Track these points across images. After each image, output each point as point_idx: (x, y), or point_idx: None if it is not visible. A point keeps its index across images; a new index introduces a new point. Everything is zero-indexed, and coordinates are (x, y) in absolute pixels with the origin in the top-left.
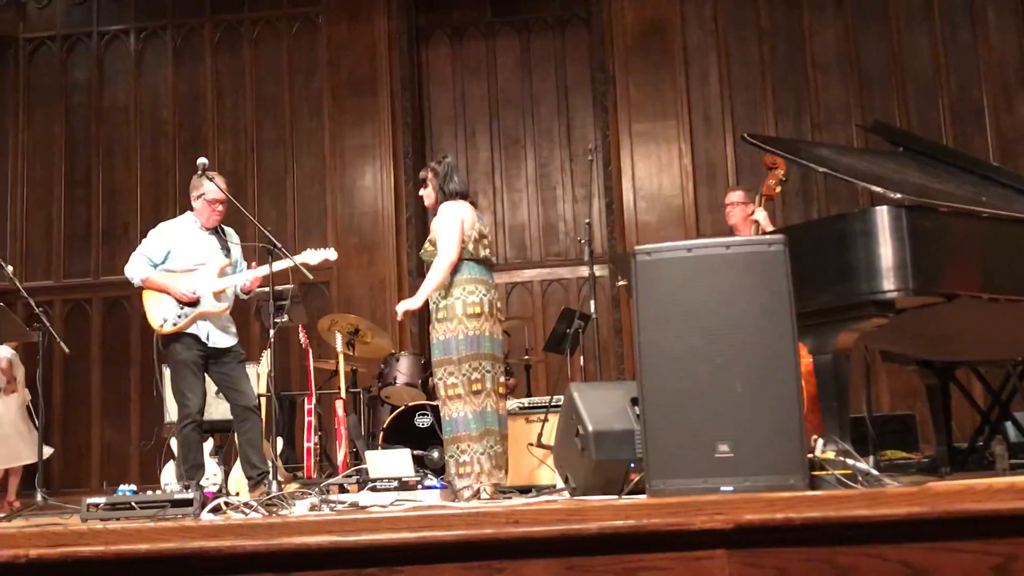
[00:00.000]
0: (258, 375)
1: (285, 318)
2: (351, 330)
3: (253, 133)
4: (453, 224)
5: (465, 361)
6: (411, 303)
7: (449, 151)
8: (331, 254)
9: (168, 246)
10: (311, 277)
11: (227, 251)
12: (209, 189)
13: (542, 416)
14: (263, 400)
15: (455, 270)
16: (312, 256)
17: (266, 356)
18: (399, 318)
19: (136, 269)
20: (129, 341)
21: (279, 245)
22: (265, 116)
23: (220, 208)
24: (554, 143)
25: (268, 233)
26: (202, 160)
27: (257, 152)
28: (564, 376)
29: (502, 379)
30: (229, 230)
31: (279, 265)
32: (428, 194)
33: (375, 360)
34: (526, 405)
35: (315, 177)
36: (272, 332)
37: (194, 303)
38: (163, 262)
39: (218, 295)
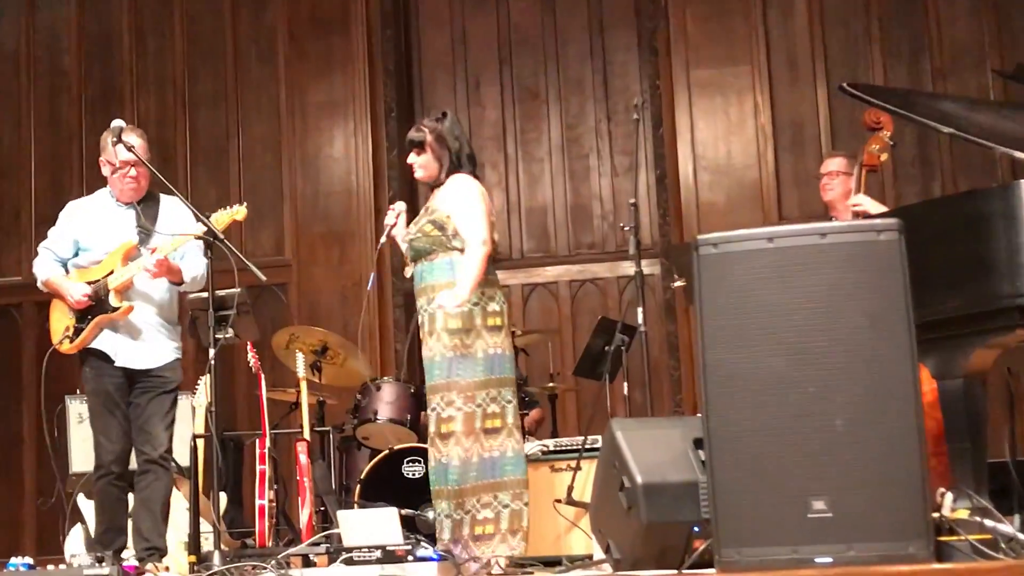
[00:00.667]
0: (193, 409)
1: (229, 333)
2: (317, 348)
3: (184, 86)
4: (479, 202)
5: (481, 388)
6: (452, 297)
7: (446, 108)
8: (239, 212)
9: (74, 233)
10: (263, 278)
11: (145, 230)
12: (109, 150)
13: (573, 463)
14: (199, 443)
15: None
16: (219, 218)
17: (204, 384)
18: (438, 306)
19: (38, 268)
20: (20, 363)
21: (208, 222)
22: (200, 63)
23: (132, 174)
24: (586, 96)
25: (185, 204)
26: (117, 123)
27: (190, 112)
28: (602, 409)
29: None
30: (170, 200)
31: (166, 237)
32: (425, 162)
33: (349, 389)
34: (551, 449)
35: (267, 144)
36: (212, 352)
37: (88, 309)
38: (75, 255)
39: (121, 292)
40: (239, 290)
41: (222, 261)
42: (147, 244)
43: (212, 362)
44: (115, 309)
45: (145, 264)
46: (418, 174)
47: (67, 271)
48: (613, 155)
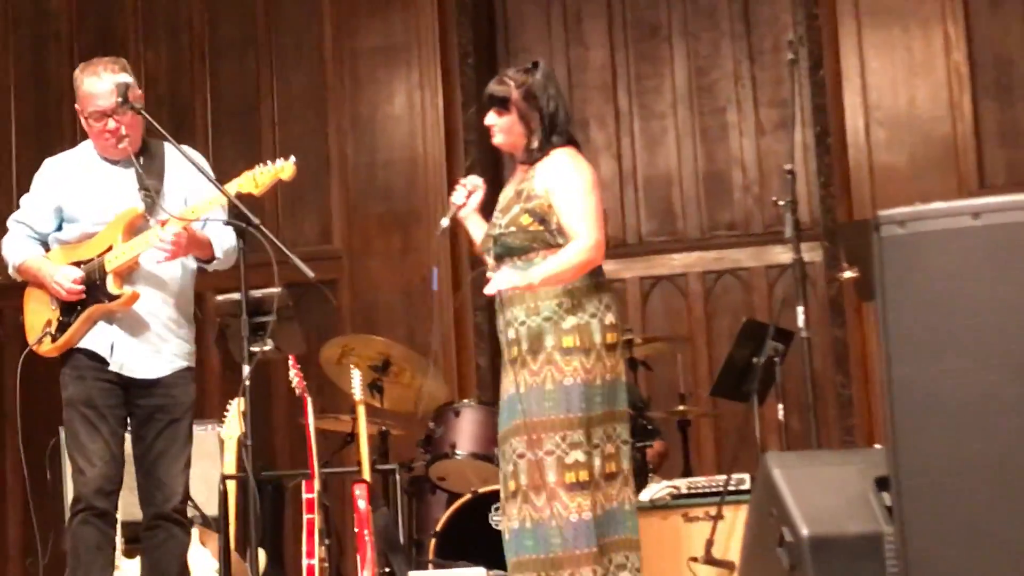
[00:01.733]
0: (221, 442)
1: (268, 345)
2: (377, 363)
3: (203, 31)
4: (590, 187)
5: (598, 424)
6: (516, 277)
7: (538, 52)
8: (285, 169)
9: (56, 198)
10: (310, 274)
11: (151, 192)
12: (82, 90)
13: (712, 511)
14: (231, 486)
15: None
16: (257, 177)
17: (235, 410)
18: (489, 291)
19: (8, 248)
20: (2, 386)
21: (227, 193)
22: (222, 2)
23: (112, 125)
24: (721, 32)
25: (191, 157)
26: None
27: (210, 63)
28: (749, 440)
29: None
30: (181, 151)
31: (184, 199)
32: (508, 126)
33: (419, 415)
34: (683, 492)
35: (308, 103)
36: (246, 370)
37: (75, 298)
38: (58, 228)
39: (121, 275)
40: (279, 290)
41: (257, 252)
42: (156, 212)
43: (246, 382)
44: (114, 297)
45: (158, 239)
46: (497, 139)
47: (47, 249)
48: (758, 108)
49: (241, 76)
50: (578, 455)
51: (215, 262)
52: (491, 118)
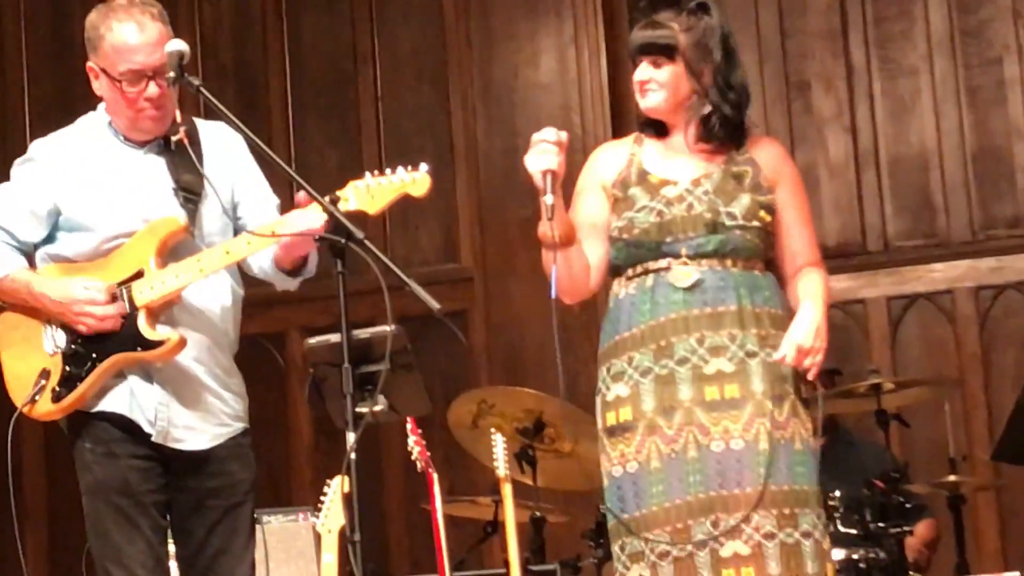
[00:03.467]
0: (317, 536)
1: (380, 404)
2: (527, 425)
3: None
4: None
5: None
6: (811, 332)
7: None
8: (418, 183)
9: (52, 197)
10: (434, 305)
11: (189, 191)
12: (109, 40)
13: None
14: None
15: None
16: (379, 189)
17: (335, 494)
18: (785, 360)
19: None
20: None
21: (329, 206)
22: None
23: (154, 90)
24: None
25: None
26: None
27: (288, 20)
28: None
29: None
30: (214, 127)
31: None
32: (672, 80)
33: (585, 494)
34: None
35: (421, 68)
36: (351, 439)
37: (100, 336)
38: (49, 239)
39: (157, 312)
40: (393, 328)
41: (359, 276)
42: (201, 221)
43: (352, 455)
44: (150, 344)
45: (308, 223)
46: (651, 99)
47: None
48: None
49: (331, 35)
50: (826, 543)
51: (297, 279)
52: (645, 71)
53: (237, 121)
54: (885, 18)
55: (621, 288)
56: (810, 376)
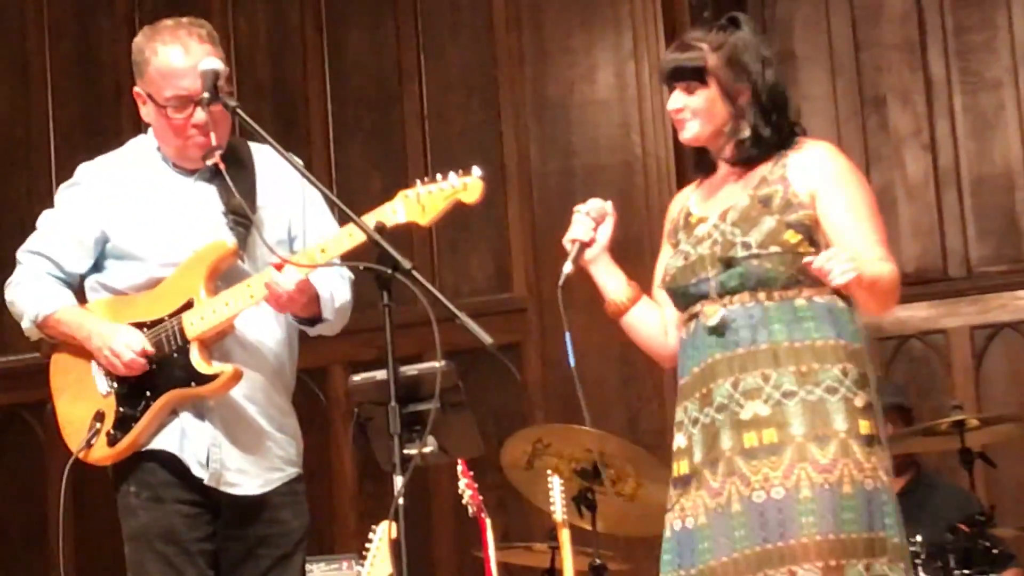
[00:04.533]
0: None
1: (428, 447)
2: (586, 466)
3: None
4: (874, 201)
5: (903, 558)
6: (862, 267)
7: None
8: (471, 188)
9: (99, 225)
10: (487, 339)
11: (241, 216)
12: (155, 64)
13: None
14: None
15: (855, 322)
16: (431, 197)
17: (381, 541)
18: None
19: (22, 294)
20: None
21: (366, 227)
22: None
23: (201, 117)
24: None
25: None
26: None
27: (328, 32)
28: None
29: None
30: (267, 153)
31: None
32: (706, 106)
33: (652, 540)
34: None
35: (470, 84)
36: (399, 482)
37: (144, 376)
38: (96, 268)
39: (210, 343)
40: (443, 364)
41: (404, 306)
42: (253, 247)
43: (400, 500)
44: (204, 379)
45: (278, 285)
46: (690, 131)
47: (80, 300)
48: None
49: (374, 51)
50: None
51: (321, 325)
52: (678, 99)
53: (274, 143)
54: (966, 28)
55: (679, 336)
56: (833, 282)
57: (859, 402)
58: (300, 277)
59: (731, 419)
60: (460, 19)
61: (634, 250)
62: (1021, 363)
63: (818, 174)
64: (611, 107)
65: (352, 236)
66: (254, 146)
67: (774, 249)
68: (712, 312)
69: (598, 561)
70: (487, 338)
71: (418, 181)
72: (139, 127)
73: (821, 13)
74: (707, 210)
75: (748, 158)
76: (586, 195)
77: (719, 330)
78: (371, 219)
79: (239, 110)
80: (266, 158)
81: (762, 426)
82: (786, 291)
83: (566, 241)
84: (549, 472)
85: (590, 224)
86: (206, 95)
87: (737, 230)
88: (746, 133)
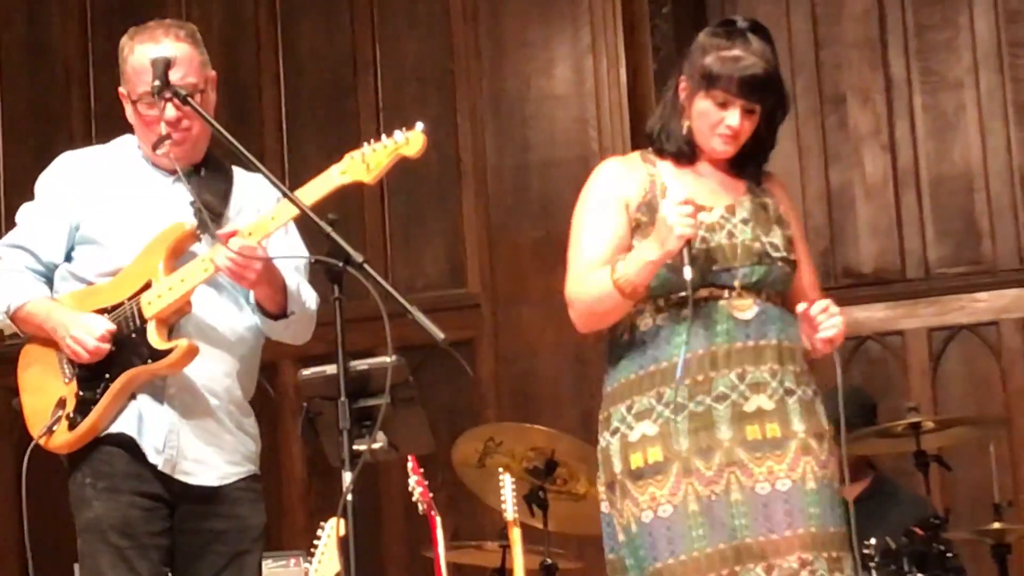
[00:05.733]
0: None
1: (379, 442)
2: (537, 464)
3: None
4: None
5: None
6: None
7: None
8: (413, 142)
9: (76, 213)
10: (438, 334)
11: (209, 209)
12: (130, 62)
13: None
14: None
15: None
16: (375, 153)
17: (328, 538)
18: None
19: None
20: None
21: (290, 194)
22: None
23: (172, 113)
24: None
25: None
26: (149, 38)
27: (283, 26)
28: None
29: None
30: (251, 179)
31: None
32: (752, 127)
33: (599, 540)
34: None
35: (426, 78)
36: (347, 478)
37: (99, 359)
38: (65, 258)
39: (167, 321)
40: (394, 359)
41: (357, 302)
42: (210, 231)
43: (348, 496)
44: (160, 354)
45: (220, 258)
46: (729, 150)
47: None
48: None
49: (329, 41)
50: None
51: (285, 322)
52: (737, 118)
53: (225, 132)
54: (927, 27)
55: (647, 318)
56: (820, 337)
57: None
58: (247, 243)
59: (733, 410)
60: (416, 10)
61: None
62: (978, 366)
63: (790, 205)
64: (568, 102)
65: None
66: (238, 169)
67: (792, 256)
68: (744, 304)
69: (549, 560)
70: (439, 334)
71: (364, 143)
72: (88, 114)
73: (782, 10)
74: (703, 200)
75: (747, 172)
76: (542, 190)
77: (746, 323)
78: (318, 183)
79: (190, 100)
80: (246, 180)
81: (765, 420)
82: (780, 295)
83: (678, 237)
84: (500, 470)
85: (690, 221)
86: (156, 83)
87: (759, 230)
88: (748, 147)
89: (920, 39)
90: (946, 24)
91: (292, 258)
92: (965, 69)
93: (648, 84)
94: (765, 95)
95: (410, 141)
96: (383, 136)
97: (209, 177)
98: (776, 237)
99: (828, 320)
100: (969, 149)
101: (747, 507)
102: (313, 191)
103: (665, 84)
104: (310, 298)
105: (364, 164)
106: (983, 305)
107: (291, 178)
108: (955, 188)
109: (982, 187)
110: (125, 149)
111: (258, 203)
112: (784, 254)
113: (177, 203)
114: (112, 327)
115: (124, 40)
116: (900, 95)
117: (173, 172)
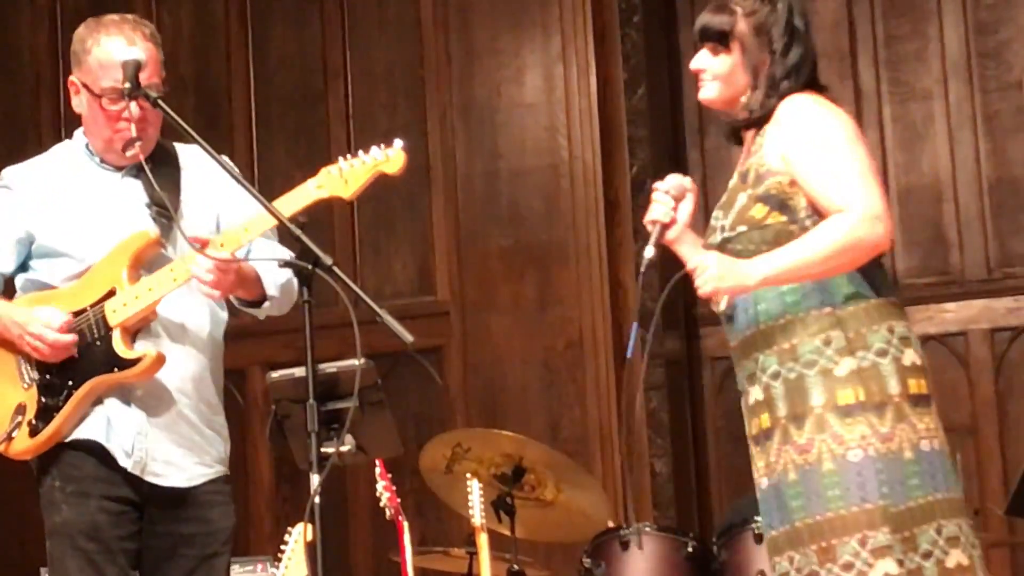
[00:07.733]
0: None
1: (347, 445)
2: (505, 471)
3: None
4: (853, 137)
5: (925, 520)
6: (737, 271)
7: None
8: (394, 160)
9: (25, 225)
10: (407, 338)
11: (164, 210)
12: (96, 54)
13: None
14: None
15: (853, 280)
16: (353, 170)
17: (296, 543)
18: (707, 293)
19: None
20: None
21: (276, 212)
22: None
23: (135, 111)
24: None
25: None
26: (113, 30)
27: (254, 30)
28: None
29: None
30: (192, 152)
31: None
32: (727, 70)
33: (569, 547)
34: None
35: (395, 85)
36: (315, 481)
37: (67, 365)
38: (22, 267)
39: (132, 330)
40: (363, 363)
41: (326, 307)
42: (174, 237)
43: (315, 500)
44: (126, 363)
45: (195, 271)
46: (708, 91)
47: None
48: None
49: (299, 48)
50: (888, 567)
51: (268, 304)
52: (702, 59)
53: (198, 137)
54: (897, 37)
55: None
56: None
57: (841, 371)
58: (220, 255)
59: (744, 406)
60: (387, 17)
61: (557, 249)
62: (947, 376)
63: (791, 130)
64: (538, 110)
65: (264, 221)
66: (180, 146)
67: (741, 229)
68: (720, 299)
69: (516, 567)
70: (408, 336)
71: (340, 158)
72: (58, 119)
73: None
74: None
75: (749, 124)
76: (511, 198)
77: (727, 314)
78: (294, 196)
79: (160, 103)
80: (192, 156)
81: (760, 411)
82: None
83: (646, 222)
84: (468, 476)
85: (670, 203)
86: (127, 85)
87: (720, 213)
88: (753, 100)
89: (889, 49)
90: (915, 35)
91: (263, 260)
92: (934, 80)
93: (618, 93)
94: (706, 37)
95: (391, 159)
96: (360, 152)
97: (159, 166)
98: (732, 215)
99: (699, 282)
100: (938, 159)
101: (763, 504)
102: (289, 203)
103: (635, 92)
104: (282, 275)
105: (343, 179)
106: (951, 315)
107: (261, 184)
108: (923, 198)
109: (951, 197)
110: (67, 154)
111: (210, 182)
112: (728, 234)
113: (129, 199)
114: (69, 317)
115: (84, 31)
116: (869, 105)
117: (120, 168)
